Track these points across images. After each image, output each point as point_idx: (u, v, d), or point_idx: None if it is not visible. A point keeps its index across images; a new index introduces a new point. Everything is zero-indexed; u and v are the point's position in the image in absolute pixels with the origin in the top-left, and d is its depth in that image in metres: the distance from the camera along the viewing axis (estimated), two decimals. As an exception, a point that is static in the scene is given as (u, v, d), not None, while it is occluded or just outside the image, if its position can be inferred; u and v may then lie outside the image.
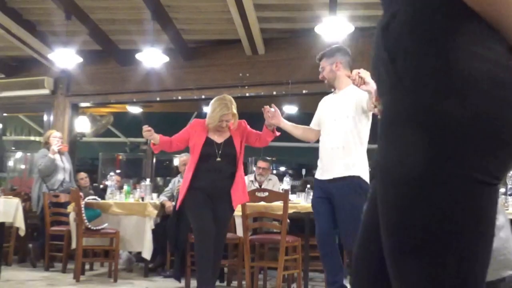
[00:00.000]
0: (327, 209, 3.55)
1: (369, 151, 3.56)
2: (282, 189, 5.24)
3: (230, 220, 4.24)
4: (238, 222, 4.73)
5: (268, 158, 6.74)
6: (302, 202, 4.92)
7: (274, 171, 8.76)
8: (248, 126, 4.21)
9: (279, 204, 4.45)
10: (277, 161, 12.68)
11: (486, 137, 0.87)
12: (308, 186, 5.21)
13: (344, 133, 3.50)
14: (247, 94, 7.14)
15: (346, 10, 5.88)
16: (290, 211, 4.41)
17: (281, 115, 3.83)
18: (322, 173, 3.60)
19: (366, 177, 3.48)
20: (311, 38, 6.27)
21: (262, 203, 4.52)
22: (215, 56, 7.32)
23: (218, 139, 4.09)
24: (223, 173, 4.02)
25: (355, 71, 2.85)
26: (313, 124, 3.82)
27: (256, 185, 6.28)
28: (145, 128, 4.06)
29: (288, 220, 4.36)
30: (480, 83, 0.86)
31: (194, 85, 7.25)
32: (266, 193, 4.49)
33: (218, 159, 4.00)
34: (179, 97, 7.47)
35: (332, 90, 3.75)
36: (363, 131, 3.53)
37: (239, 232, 4.72)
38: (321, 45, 6.24)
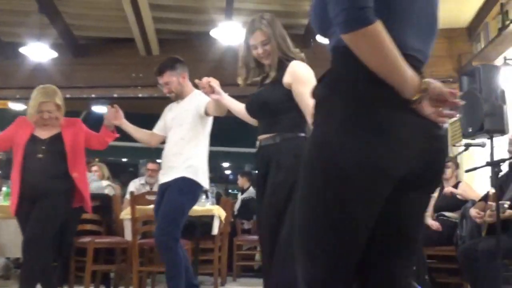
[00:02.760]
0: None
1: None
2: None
3: (50, 219, 3.60)
4: (127, 225, 4.60)
5: (158, 160, 6.61)
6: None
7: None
8: (86, 127, 3.93)
9: (170, 207, 4.39)
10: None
11: None
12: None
13: (180, 140, 3.60)
14: (140, 95, 6.97)
15: (242, 16, 5.96)
16: (181, 214, 4.36)
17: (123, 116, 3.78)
18: (161, 177, 3.70)
19: (200, 179, 3.59)
20: (207, 41, 6.28)
21: (152, 206, 4.43)
22: (107, 54, 7.08)
23: (44, 134, 3.74)
24: (50, 172, 3.62)
25: (205, 79, 2.91)
26: (156, 129, 3.87)
27: (148, 188, 6.15)
28: None
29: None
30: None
31: (84, 83, 6.97)
32: (157, 196, 4.42)
33: (40, 155, 3.63)
34: (67, 95, 7.07)
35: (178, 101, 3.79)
36: (200, 137, 3.65)
37: (128, 236, 4.59)
38: (217, 49, 6.30)
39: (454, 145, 5.84)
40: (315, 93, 1.29)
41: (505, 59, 5.16)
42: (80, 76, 6.98)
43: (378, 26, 1.14)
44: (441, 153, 1.31)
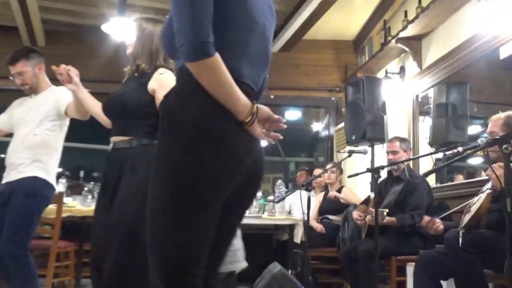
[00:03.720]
0: (2, 215, 3.27)
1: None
2: (57, 191, 4.93)
3: None
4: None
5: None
6: (78, 205, 4.71)
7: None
8: None
9: (52, 207, 4.18)
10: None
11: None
12: (86, 189, 5.01)
13: (32, 136, 3.35)
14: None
15: (136, 12, 5.82)
16: (64, 214, 4.19)
17: None
18: (5, 176, 3.41)
19: (51, 179, 3.37)
20: (99, 36, 6.05)
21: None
22: (-14, 42, 6.59)
23: None
24: None
25: (63, 66, 2.79)
26: None
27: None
28: None
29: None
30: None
31: (-42, 72, 6.41)
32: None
33: None
34: None
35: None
36: (55, 135, 3.41)
37: (4, 237, 4.30)
38: (109, 45, 6.08)
39: (338, 152, 6.13)
40: (162, 108, 1.45)
41: (386, 72, 5.52)
42: (-46, 64, 6.43)
43: (217, 59, 1.34)
44: (261, 168, 1.51)
